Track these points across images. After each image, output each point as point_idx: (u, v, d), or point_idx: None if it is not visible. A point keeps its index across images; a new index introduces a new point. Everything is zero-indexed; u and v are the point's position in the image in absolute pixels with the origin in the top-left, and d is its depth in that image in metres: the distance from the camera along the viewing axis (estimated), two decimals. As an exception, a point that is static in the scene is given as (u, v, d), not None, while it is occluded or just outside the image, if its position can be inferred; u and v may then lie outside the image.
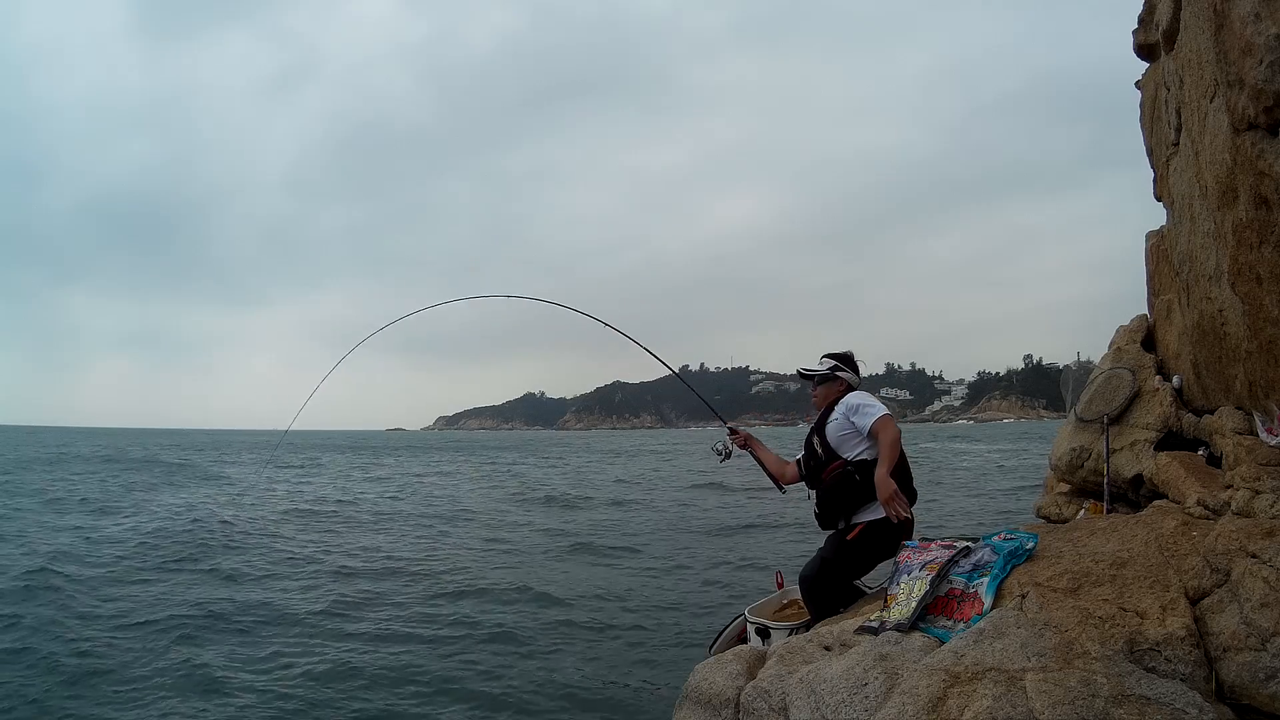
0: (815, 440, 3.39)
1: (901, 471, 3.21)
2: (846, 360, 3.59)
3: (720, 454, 3.80)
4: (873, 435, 3.18)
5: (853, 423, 3.24)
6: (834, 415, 3.33)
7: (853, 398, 3.35)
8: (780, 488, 3.72)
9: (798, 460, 3.59)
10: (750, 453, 3.77)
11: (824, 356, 3.60)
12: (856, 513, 3.22)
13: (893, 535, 3.13)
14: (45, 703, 5.08)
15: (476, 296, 5.33)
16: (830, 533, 3.33)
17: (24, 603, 7.32)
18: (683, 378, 4.46)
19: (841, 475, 3.24)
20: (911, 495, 3.27)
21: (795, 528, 11.18)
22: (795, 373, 3.68)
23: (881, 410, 3.22)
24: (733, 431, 3.82)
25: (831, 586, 3.28)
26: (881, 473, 3.07)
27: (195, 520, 13.18)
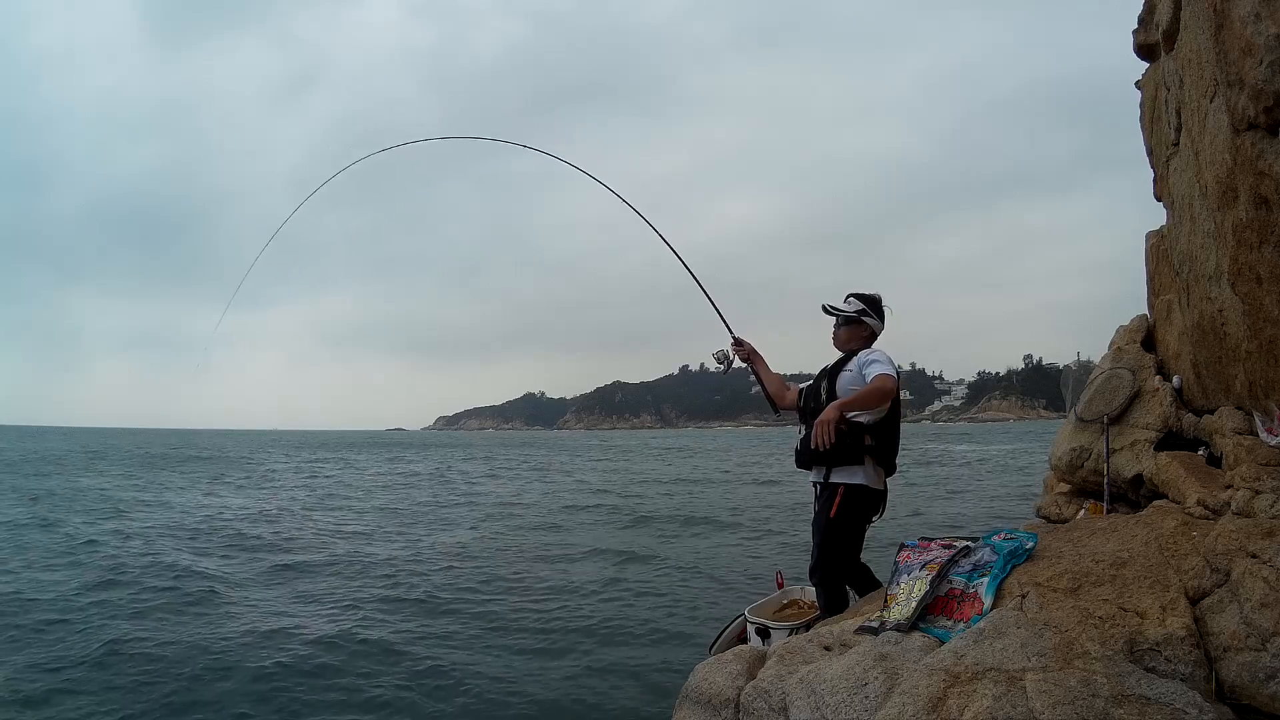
0: (824, 385, 3.34)
1: (889, 437, 3.20)
2: (874, 305, 3.44)
3: (721, 362, 3.75)
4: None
5: (864, 376, 3.21)
6: (849, 366, 3.29)
7: (873, 354, 3.29)
8: (775, 409, 3.68)
9: (800, 389, 3.53)
10: (751, 367, 3.70)
11: (850, 295, 3.47)
12: (835, 470, 3.21)
13: (872, 498, 3.20)
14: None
15: (445, 137, 5.87)
16: (815, 519, 3.32)
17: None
18: (680, 259, 4.05)
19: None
20: (890, 467, 3.28)
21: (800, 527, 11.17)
22: (821, 307, 3.51)
23: (889, 369, 3.18)
24: (738, 343, 3.68)
25: (838, 567, 3.27)
26: (835, 402, 3.07)
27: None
